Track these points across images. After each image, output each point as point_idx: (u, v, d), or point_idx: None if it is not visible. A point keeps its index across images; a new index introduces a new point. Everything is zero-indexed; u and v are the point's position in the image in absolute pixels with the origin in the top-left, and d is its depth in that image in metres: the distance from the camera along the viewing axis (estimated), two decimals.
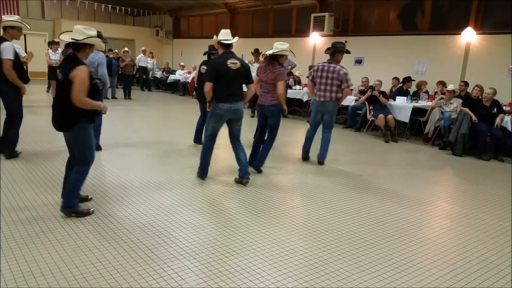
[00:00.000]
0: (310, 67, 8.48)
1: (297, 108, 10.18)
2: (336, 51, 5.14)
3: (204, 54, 5.81)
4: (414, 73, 9.17)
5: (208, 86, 4.02)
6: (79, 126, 3.04)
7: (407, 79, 8.37)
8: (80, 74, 2.90)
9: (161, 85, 15.11)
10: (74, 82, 2.89)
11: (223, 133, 4.48)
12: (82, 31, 2.98)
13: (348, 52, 5.26)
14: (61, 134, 3.21)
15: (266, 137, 4.84)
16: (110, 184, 4.06)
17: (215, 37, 4.18)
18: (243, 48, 11.68)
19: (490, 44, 8.24)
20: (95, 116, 3.17)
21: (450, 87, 7.05)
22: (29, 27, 4.80)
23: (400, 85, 8.47)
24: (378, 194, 4.25)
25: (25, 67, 5.70)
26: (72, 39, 2.95)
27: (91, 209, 3.31)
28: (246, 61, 10.44)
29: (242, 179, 4.26)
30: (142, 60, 13.82)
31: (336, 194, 4.16)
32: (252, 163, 4.75)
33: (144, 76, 14.33)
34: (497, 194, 4.51)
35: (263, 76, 4.65)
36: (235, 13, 14.21)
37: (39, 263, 2.50)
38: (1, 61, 4.30)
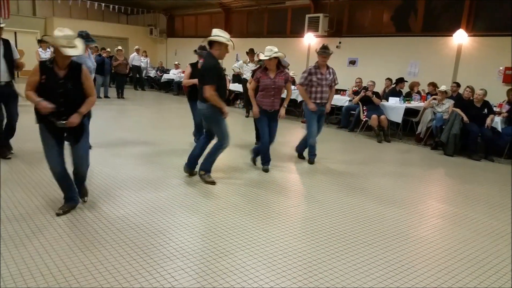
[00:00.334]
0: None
1: (291, 108, 10.19)
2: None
3: (196, 52, 5.78)
4: (407, 74, 9.25)
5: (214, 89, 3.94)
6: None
7: (400, 80, 8.45)
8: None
9: (155, 85, 15.05)
10: None
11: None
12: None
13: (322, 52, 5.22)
14: None
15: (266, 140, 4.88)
16: (102, 184, 4.03)
17: (220, 38, 3.90)
18: (238, 48, 11.56)
19: (481, 46, 8.34)
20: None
21: (443, 88, 7.13)
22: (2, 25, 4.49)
23: (393, 86, 8.54)
24: (371, 193, 4.28)
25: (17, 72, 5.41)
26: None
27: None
28: (241, 61, 10.50)
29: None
30: (135, 59, 13.75)
31: (329, 194, 4.17)
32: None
33: (137, 75, 14.26)
34: (487, 193, 4.56)
35: (271, 83, 4.64)
36: (230, 13, 14.19)
37: (29, 265, 2.47)
38: None
